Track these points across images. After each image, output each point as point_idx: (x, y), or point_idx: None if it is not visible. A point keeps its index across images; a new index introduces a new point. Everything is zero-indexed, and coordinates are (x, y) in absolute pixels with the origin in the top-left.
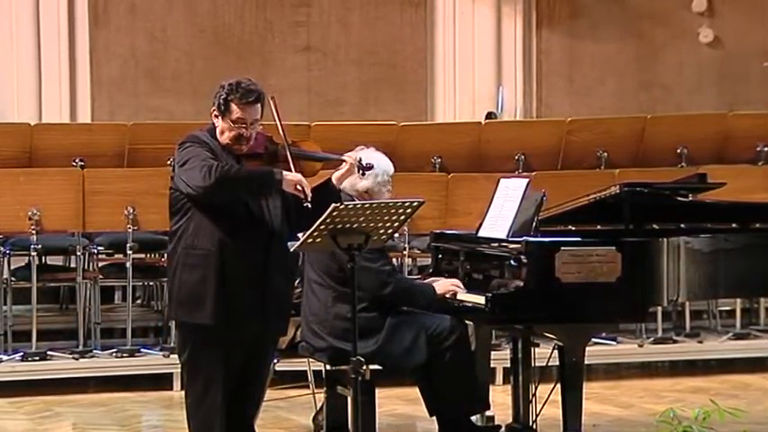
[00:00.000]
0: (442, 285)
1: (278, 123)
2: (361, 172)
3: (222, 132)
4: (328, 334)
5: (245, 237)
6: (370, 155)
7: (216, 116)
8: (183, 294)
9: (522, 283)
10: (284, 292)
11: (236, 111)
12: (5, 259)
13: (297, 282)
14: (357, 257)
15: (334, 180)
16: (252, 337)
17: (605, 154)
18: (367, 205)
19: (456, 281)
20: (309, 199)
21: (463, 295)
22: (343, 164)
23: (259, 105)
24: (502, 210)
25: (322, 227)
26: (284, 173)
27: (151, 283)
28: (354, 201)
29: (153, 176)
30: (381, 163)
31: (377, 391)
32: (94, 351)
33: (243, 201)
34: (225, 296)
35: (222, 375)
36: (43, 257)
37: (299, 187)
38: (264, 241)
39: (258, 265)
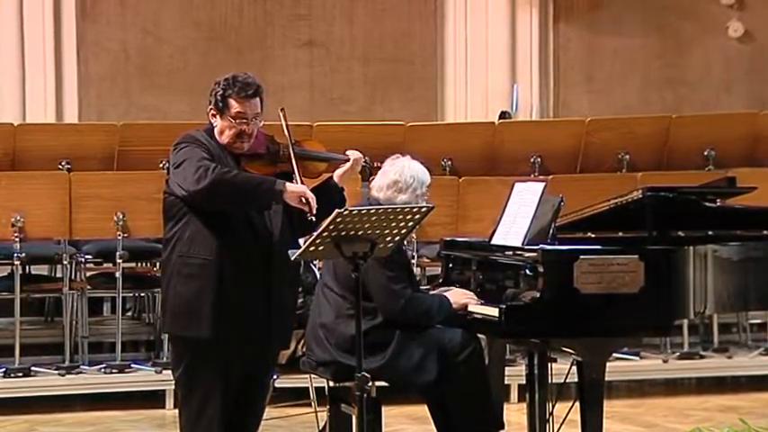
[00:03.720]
0: (455, 296)
1: (287, 133)
2: (369, 173)
3: (221, 131)
4: (335, 345)
5: (245, 244)
6: (407, 168)
7: (214, 115)
8: (178, 307)
9: (538, 294)
10: (288, 301)
11: (234, 106)
12: None
13: (299, 291)
14: (378, 270)
15: (336, 178)
16: (253, 352)
17: (627, 156)
18: (373, 211)
19: (468, 292)
20: (314, 212)
21: (475, 307)
22: (347, 162)
23: (258, 99)
24: (516, 216)
25: (325, 234)
26: (287, 184)
27: (142, 294)
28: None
29: (145, 180)
30: (419, 174)
31: (383, 409)
32: (82, 367)
33: (237, 212)
34: (224, 308)
35: (220, 392)
36: (27, 267)
37: (303, 200)
38: (266, 248)
39: (260, 275)
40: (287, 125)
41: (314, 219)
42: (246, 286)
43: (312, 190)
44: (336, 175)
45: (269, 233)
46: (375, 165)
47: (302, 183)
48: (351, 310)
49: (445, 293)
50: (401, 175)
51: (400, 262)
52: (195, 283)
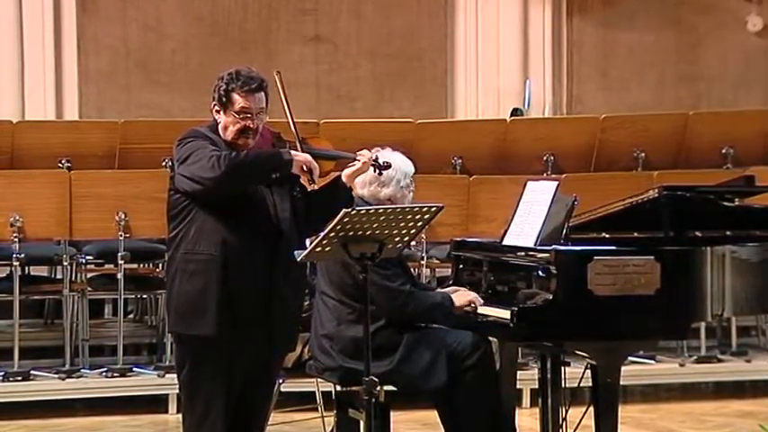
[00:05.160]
0: (461, 297)
1: (284, 103)
2: (377, 171)
3: (226, 128)
4: (340, 352)
5: (251, 241)
6: (387, 156)
7: (217, 111)
8: (183, 304)
9: (551, 296)
10: (293, 302)
11: (238, 101)
12: None
13: (306, 293)
14: (372, 271)
15: (344, 177)
16: (256, 353)
17: (643, 154)
18: (381, 211)
19: (474, 294)
20: (316, 181)
21: (486, 309)
22: (356, 161)
23: (263, 94)
24: (529, 216)
25: (332, 234)
26: (293, 152)
27: (144, 296)
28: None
29: (146, 179)
30: (401, 165)
31: (392, 414)
32: (82, 370)
33: (250, 197)
34: (228, 305)
35: (224, 395)
36: (26, 268)
37: (304, 168)
38: (271, 246)
39: (264, 272)
40: (284, 93)
41: (315, 188)
42: (251, 283)
43: (319, 189)
44: (345, 174)
45: (275, 229)
46: (384, 163)
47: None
48: (352, 314)
49: (451, 294)
50: None
51: (393, 259)
52: (200, 280)
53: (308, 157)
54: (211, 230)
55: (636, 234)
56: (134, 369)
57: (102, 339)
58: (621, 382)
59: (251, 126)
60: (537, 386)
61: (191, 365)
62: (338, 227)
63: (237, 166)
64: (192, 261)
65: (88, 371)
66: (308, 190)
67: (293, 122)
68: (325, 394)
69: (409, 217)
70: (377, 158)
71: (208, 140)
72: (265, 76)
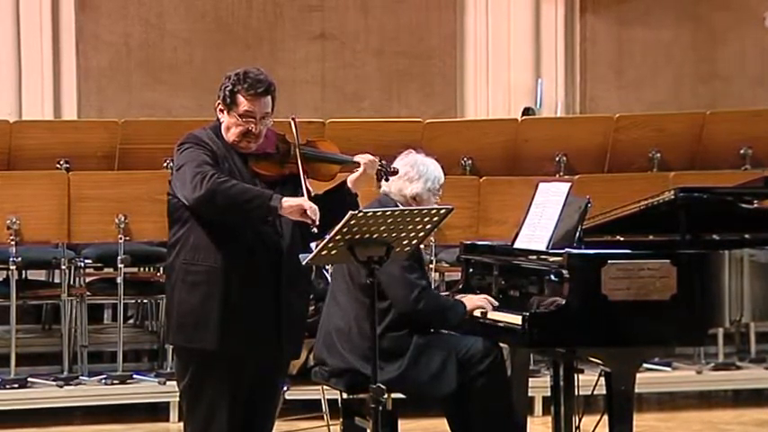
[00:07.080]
0: (472, 301)
1: (298, 148)
2: (384, 178)
3: (228, 129)
4: (350, 351)
5: (254, 249)
6: (420, 160)
7: (221, 111)
8: (183, 316)
9: (563, 301)
10: (300, 310)
11: (243, 103)
12: None
13: (311, 298)
14: (390, 261)
15: (349, 183)
16: (263, 361)
17: (658, 155)
18: (388, 213)
19: (487, 296)
20: (318, 223)
21: (497, 314)
22: (360, 166)
23: (269, 98)
24: (541, 218)
25: (338, 237)
26: (284, 200)
27: (145, 301)
28: (382, 207)
29: (147, 180)
30: (433, 169)
31: (400, 422)
32: (81, 377)
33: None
34: (231, 317)
35: (227, 404)
36: (23, 272)
37: (307, 213)
38: (275, 254)
39: (269, 282)
40: (297, 134)
41: (316, 230)
42: (254, 295)
43: (325, 193)
44: (350, 180)
45: (278, 238)
46: (392, 169)
47: (308, 188)
48: (363, 311)
49: (463, 298)
50: (412, 166)
51: (413, 253)
52: (200, 292)
53: (302, 201)
54: (212, 239)
55: (651, 237)
56: (134, 376)
57: (101, 345)
58: (637, 390)
59: (253, 130)
60: (549, 394)
61: (192, 376)
62: (344, 229)
63: (216, 193)
64: (191, 272)
65: (87, 378)
66: (311, 230)
67: (305, 181)
68: (331, 402)
69: (417, 219)
70: (384, 164)
71: (206, 148)
72: (272, 77)
